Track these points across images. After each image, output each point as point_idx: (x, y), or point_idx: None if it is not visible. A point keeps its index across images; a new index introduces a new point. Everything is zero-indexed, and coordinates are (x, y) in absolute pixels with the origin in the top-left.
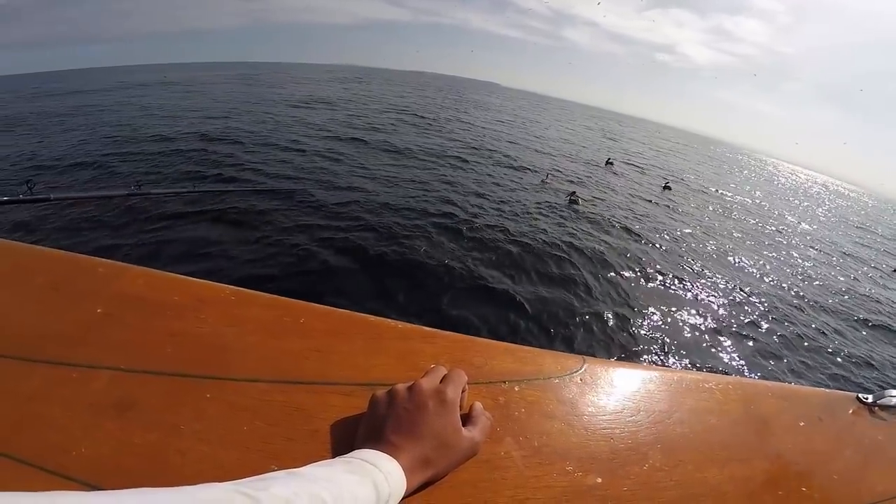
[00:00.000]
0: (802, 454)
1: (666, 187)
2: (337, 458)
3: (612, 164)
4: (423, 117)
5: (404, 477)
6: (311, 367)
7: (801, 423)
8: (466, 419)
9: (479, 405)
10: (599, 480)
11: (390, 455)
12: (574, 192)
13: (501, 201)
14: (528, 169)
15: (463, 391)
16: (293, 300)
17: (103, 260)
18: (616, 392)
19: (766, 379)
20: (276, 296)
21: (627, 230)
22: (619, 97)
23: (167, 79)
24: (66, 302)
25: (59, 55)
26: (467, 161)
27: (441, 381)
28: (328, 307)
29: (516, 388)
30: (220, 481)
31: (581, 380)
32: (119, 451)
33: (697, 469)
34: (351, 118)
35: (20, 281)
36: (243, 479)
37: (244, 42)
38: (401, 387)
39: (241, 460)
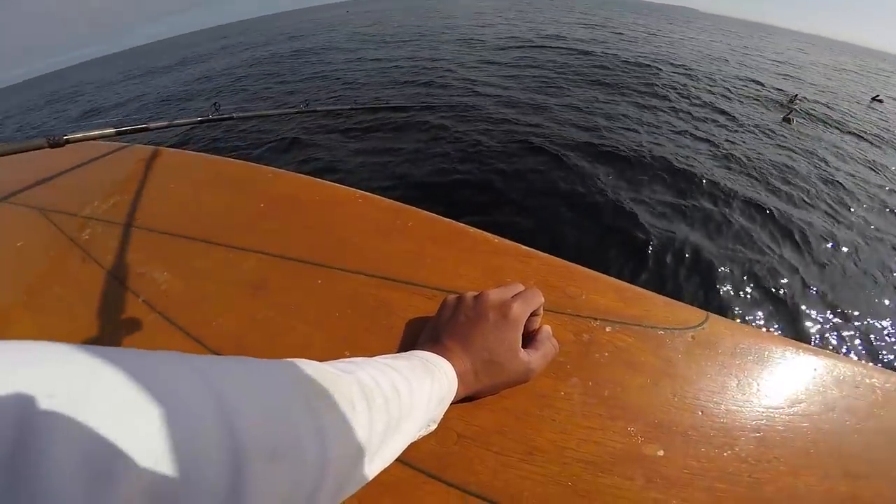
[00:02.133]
0: None
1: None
2: (403, 353)
3: (880, 100)
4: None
5: (457, 381)
6: (406, 268)
7: None
8: (530, 342)
9: (547, 329)
10: (661, 453)
11: (445, 358)
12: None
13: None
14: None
15: (535, 313)
16: (406, 206)
17: (271, 168)
18: (734, 361)
19: None
20: (393, 201)
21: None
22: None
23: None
24: (243, 199)
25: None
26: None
27: (513, 297)
28: (435, 215)
29: (607, 329)
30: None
31: (693, 337)
32: (243, 325)
33: (791, 472)
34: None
35: (215, 184)
36: (330, 361)
37: None
38: (469, 294)
39: (326, 342)
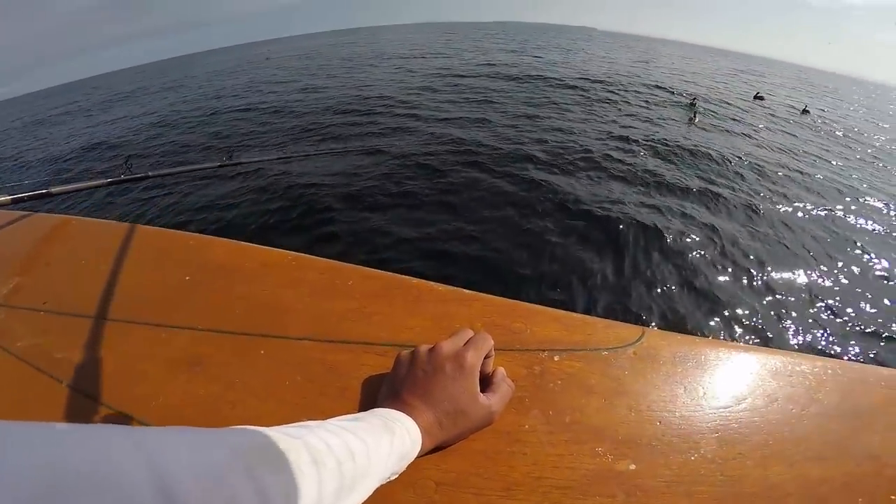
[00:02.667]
0: None
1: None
2: (361, 413)
3: (761, 98)
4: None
5: (420, 436)
6: (352, 328)
7: None
8: (487, 386)
9: (501, 371)
10: (633, 467)
11: (407, 414)
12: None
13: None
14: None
15: (488, 356)
16: (344, 263)
17: (194, 234)
18: (676, 370)
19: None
20: (330, 260)
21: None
22: (744, 34)
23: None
24: (166, 271)
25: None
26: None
27: (465, 345)
28: (375, 270)
29: (556, 358)
30: None
31: (634, 353)
32: (185, 401)
33: (759, 465)
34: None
35: (134, 256)
36: (281, 426)
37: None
38: (423, 348)
39: (277, 412)
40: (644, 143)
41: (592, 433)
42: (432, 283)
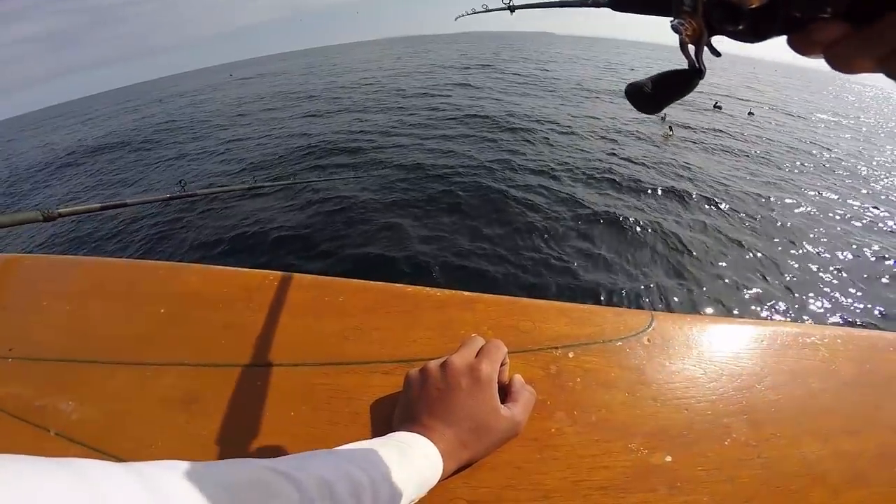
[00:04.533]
0: None
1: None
2: (375, 440)
3: (720, 107)
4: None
5: (441, 459)
6: (351, 347)
7: None
8: (506, 395)
9: (519, 379)
10: (669, 459)
11: (426, 437)
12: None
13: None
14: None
15: (503, 364)
16: (331, 278)
17: (162, 262)
18: (692, 353)
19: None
20: (314, 276)
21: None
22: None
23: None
24: (138, 305)
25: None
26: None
27: (477, 355)
28: (365, 281)
29: (570, 355)
30: None
31: (648, 340)
32: (187, 442)
33: (792, 444)
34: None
35: (100, 292)
36: (281, 458)
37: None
38: (433, 365)
39: (288, 446)
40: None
41: (621, 429)
42: (428, 288)
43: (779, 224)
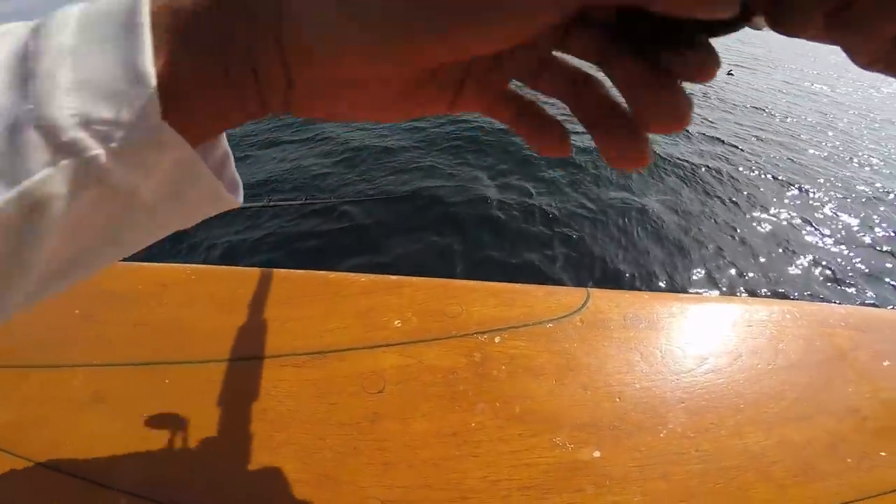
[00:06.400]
0: (885, 406)
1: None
2: None
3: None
4: None
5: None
6: (262, 341)
7: (887, 363)
8: None
9: None
10: (598, 454)
11: None
12: None
13: None
14: None
15: None
16: (249, 269)
17: None
18: (629, 334)
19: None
20: (233, 267)
21: None
22: None
23: None
24: (51, 309)
25: None
26: None
27: None
28: (286, 270)
29: (496, 340)
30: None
31: (581, 321)
32: (94, 441)
33: (734, 434)
34: None
35: None
36: None
37: None
38: None
39: (191, 444)
40: None
41: (547, 421)
42: (353, 274)
43: (737, 188)
